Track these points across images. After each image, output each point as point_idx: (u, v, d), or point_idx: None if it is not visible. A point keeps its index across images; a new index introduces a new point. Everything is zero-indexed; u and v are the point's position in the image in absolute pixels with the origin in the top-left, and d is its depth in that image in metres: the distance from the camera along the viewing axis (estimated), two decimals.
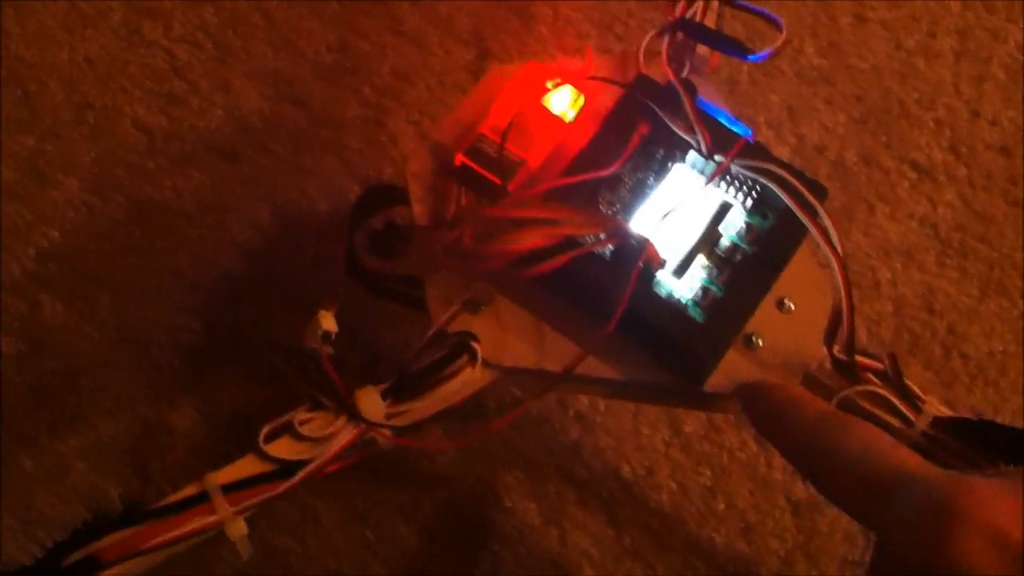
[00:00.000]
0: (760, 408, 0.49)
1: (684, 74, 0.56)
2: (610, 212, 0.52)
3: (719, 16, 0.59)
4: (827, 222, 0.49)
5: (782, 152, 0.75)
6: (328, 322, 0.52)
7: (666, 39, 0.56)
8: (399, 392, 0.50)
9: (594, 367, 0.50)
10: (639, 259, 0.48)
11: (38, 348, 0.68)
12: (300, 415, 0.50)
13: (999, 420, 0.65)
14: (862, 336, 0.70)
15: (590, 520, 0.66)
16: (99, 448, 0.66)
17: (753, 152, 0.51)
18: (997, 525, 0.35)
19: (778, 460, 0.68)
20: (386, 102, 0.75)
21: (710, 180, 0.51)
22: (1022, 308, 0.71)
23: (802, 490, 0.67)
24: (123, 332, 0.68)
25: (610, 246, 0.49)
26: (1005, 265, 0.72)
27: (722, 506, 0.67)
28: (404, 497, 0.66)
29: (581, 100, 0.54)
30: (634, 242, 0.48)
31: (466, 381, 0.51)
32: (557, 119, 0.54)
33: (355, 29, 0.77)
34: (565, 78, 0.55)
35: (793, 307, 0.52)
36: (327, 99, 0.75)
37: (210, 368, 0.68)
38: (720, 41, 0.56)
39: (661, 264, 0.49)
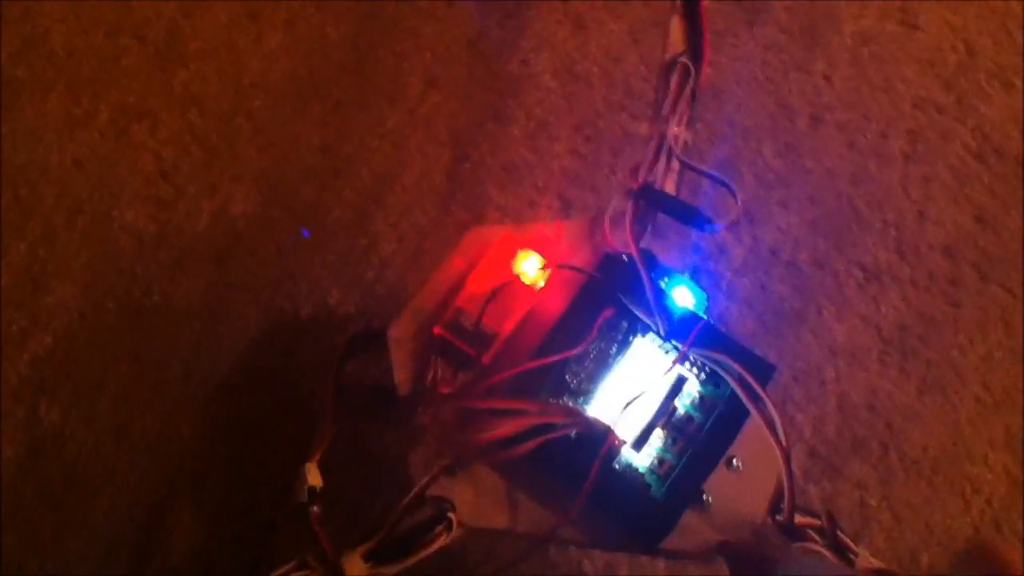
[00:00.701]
0: None
1: (646, 239, 0.60)
2: (576, 383, 0.56)
3: (680, 174, 0.63)
4: (772, 410, 0.53)
5: (737, 254, 0.79)
6: (314, 477, 0.57)
7: (629, 207, 0.60)
8: (380, 555, 0.55)
9: (562, 531, 0.55)
10: (602, 444, 0.53)
11: (38, 453, 0.72)
12: (292, 574, 0.55)
13: (931, 513, 0.71)
14: (807, 433, 0.75)
15: None
16: (100, 552, 0.71)
17: (706, 335, 0.56)
18: None
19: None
20: (366, 205, 0.79)
21: (664, 374, 0.55)
22: (955, 405, 0.76)
23: None
24: (121, 438, 0.73)
25: (575, 431, 0.54)
26: (942, 364, 0.78)
27: None
28: None
29: (550, 269, 0.59)
30: (597, 429, 0.53)
31: (440, 544, 0.56)
32: (529, 288, 0.58)
33: (337, 132, 0.80)
34: (536, 247, 0.59)
35: (741, 466, 0.57)
36: (311, 202, 0.78)
37: (206, 474, 0.72)
38: (680, 212, 0.60)
39: (621, 445, 0.54)
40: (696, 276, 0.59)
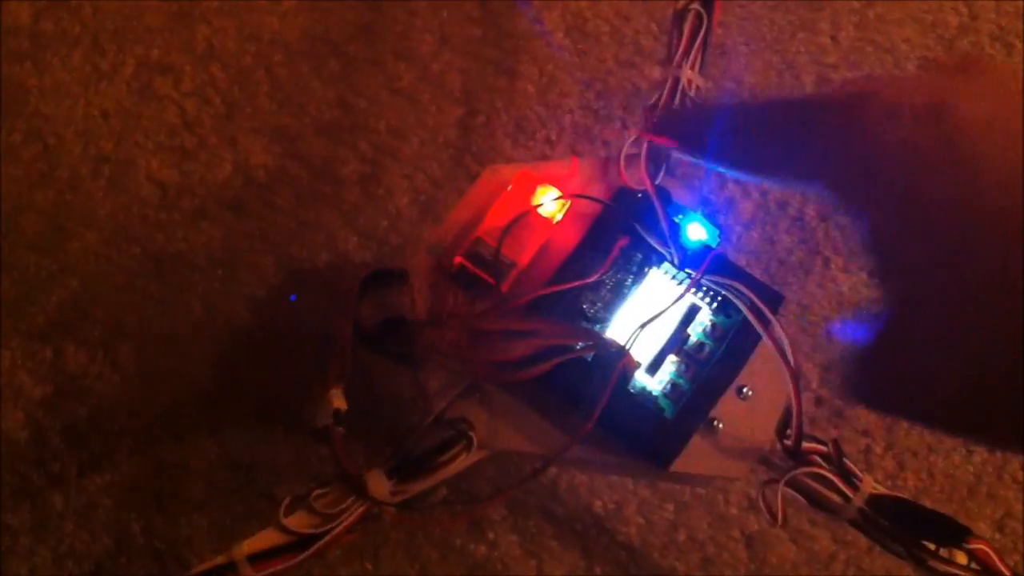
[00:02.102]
0: None
1: (660, 178, 0.62)
2: (592, 311, 0.58)
3: None
4: (781, 334, 0.55)
5: (746, 207, 0.81)
6: (339, 400, 0.58)
7: (644, 146, 0.62)
8: (403, 473, 0.57)
9: (574, 450, 0.57)
10: (618, 365, 0.55)
11: (65, 393, 0.74)
12: (316, 491, 0.57)
13: (934, 461, 0.73)
14: (813, 381, 0.77)
15: (565, 552, 0.74)
16: (123, 486, 0.73)
17: (718, 264, 0.58)
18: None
19: (734, 497, 0.75)
20: (382, 158, 0.81)
21: (677, 300, 0.57)
22: None
23: (754, 524, 0.75)
24: (144, 379, 0.75)
25: (591, 353, 0.55)
26: None
27: (683, 538, 0.75)
28: (400, 533, 0.73)
29: (567, 204, 0.61)
30: (613, 350, 0.55)
31: (461, 463, 0.58)
32: (546, 221, 0.60)
33: (353, 87, 0.82)
34: (552, 183, 0.61)
35: (751, 394, 0.59)
36: (327, 155, 0.80)
37: (226, 413, 0.75)
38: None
39: (636, 368, 0.56)
40: (709, 214, 0.61)
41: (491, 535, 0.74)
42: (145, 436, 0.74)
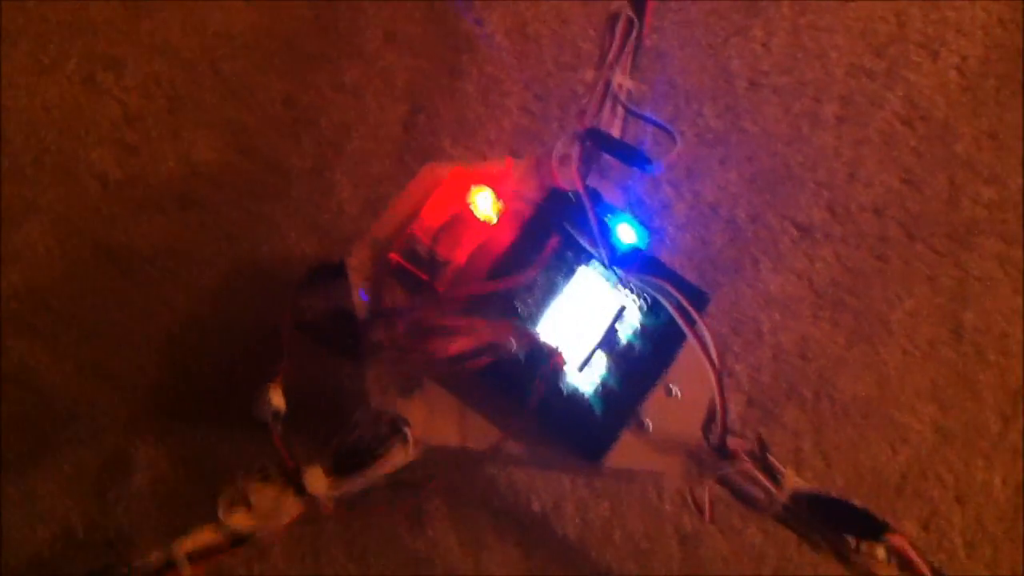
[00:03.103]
0: None
1: (590, 179, 0.64)
2: (524, 308, 0.60)
3: (624, 119, 0.67)
4: (705, 333, 0.57)
5: (679, 209, 0.83)
6: (277, 398, 0.60)
7: (576, 147, 0.63)
8: (340, 468, 0.58)
9: (508, 446, 0.59)
10: (548, 362, 0.56)
11: (11, 383, 0.75)
12: (253, 483, 0.58)
13: (861, 459, 0.76)
14: (744, 382, 0.79)
15: (503, 547, 0.75)
16: (64, 476, 0.73)
17: (646, 264, 0.60)
18: None
19: (668, 493, 0.77)
20: (325, 152, 0.82)
21: (608, 294, 0.59)
22: (884, 357, 0.81)
23: (688, 523, 0.77)
24: (89, 369, 0.75)
25: (523, 351, 0.57)
26: (871, 317, 0.82)
27: (618, 535, 0.76)
28: (338, 526, 0.74)
29: (501, 203, 0.62)
30: (544, 349, 0.57)
31: (396, 459, 0.59)
32: (480, 221, 0.62)
33: (299, 83, 0.83)
34: (487, 182, 0.62)
35: (679, 393, 0.61)
36: (273, 149, 0.81)
37: (170, 404, 0.75)
38: (622, 152, 0.64)
39: (564, 364, 0.58)
40: (637, 214, 0.63)
41: (430, 531, 0.75)
42: (90, 426, 0.74)
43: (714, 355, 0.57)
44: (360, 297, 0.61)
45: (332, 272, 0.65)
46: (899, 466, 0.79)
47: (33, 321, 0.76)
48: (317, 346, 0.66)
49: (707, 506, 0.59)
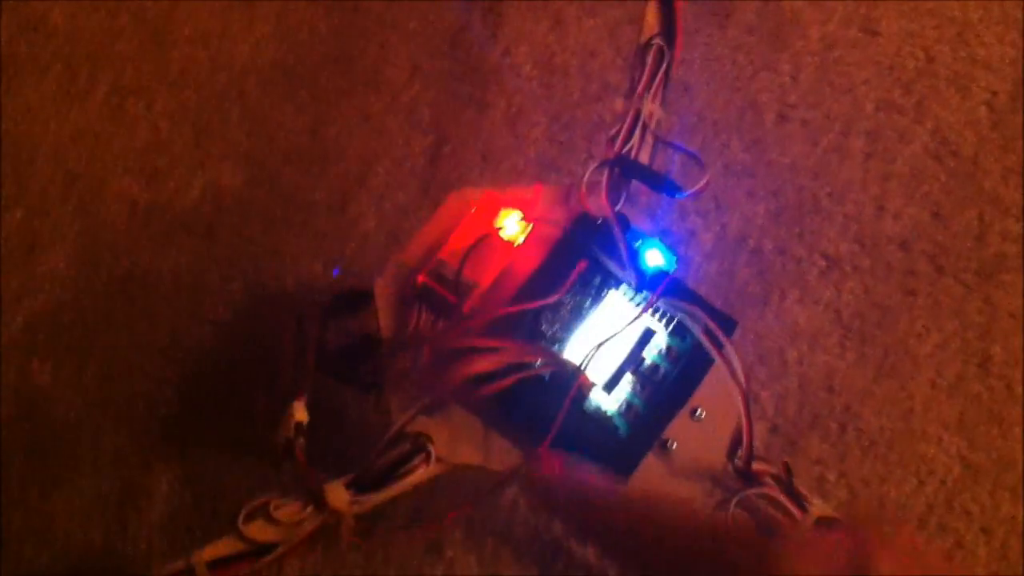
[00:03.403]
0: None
1: (620, 206, 0.64)
2: (551, 332, 0.60)
3: (654, 148, 0.67)
4: (733, 357, 0.57)
5: (706, 239, 0.83)
6: (300, 413, 0.60)
7: (605, 174, 0.63)
8: (362, 485, 0.58)
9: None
10: (573, 384, 0.56)
11: (29, 412, 0.75)
12: (275, 500, 0.57)
13: (886, 490, 0.75)
14: (769, 410, 0.79)
15: (523, 573, 0.74)
16: (84, 505, 0.73)
17: (674, 288, 0.59)
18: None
19: None
20: (350, 185, 0.82)
21: (634, 320, 0.59)
22: (911, 391, 0.80)
23: None
24: (108, 401, 0.75)
25: (548, 371, 0.57)
26: (899, 350, 0.81)
27: None
28: (357, 555, 0.73)
29: (529, 227, 0.62)
30: (569, 369, 0.56)
31: (419, 476, 0.59)
32: (507, 244, 0.62)
33: (324, 116, 0.84)
34: (515, 208, 0.62)
35: (704, 415, 0.60)
36: (296, 182, 0.82)
37: (188, 436, 0.75)
38: (652, 179, 0.64)
39: (591, 388, 0.57)
40: (666, 241, 0.62)
41: (450, 553, 0.74)
42: (109, 457, 0.74)
43: (742, 378, 0.57)
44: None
45: (357, 300, 0.65)
46: (925, 498, 0.78)
47: (54, 350, 0.76)
48: (339, 382, 0.66)
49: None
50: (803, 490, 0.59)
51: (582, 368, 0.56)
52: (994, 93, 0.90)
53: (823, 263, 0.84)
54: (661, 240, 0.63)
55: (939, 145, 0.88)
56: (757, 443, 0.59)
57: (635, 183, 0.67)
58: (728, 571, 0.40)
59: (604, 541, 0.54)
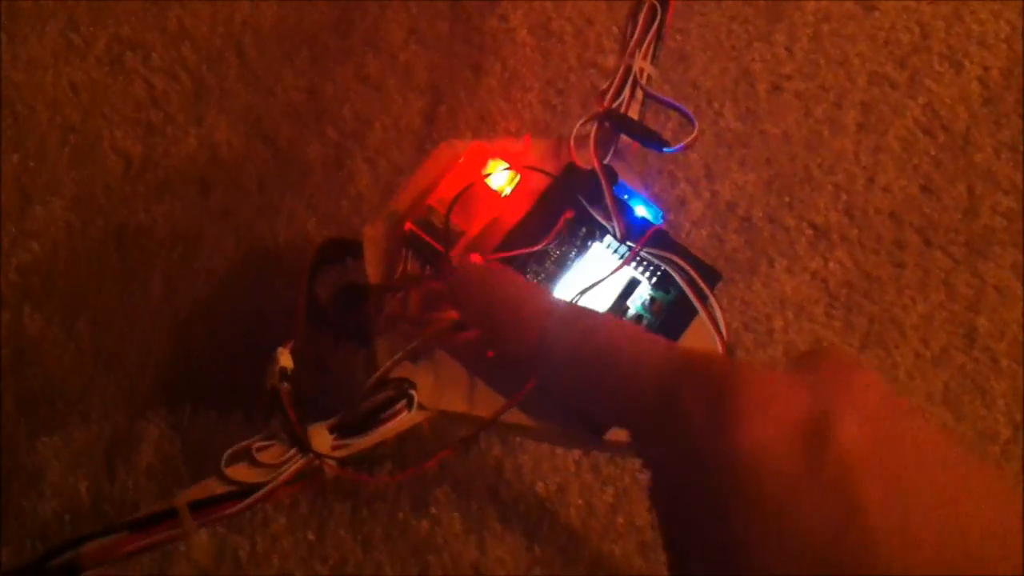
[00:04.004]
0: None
1: (608, 159, 0.64)
2: (536, 281, 0.60)
3: (643, 105, 0.67)
4: (716, 308, 0.58)
5: (696, 207, 0.83)
6: (286, 359, 0.60)
7: (594, 127, 0.64)
8: (345, 429, 0.59)
9: (514, 416, 0.59)
10: None
11: (23, 358, 0.75)
12: (258, 443, 0.58)
13: None
14: None
15: (507, 531, 0.75)
16: (73, 451, 0.74)
17: (659, 239, 0.60)
18: (787, 416, 0.35)
19: None
20: (346, 142, 0.83)
21: (620, 267, 0.59)
22: (896, 360, 0.81)
23: None
24: (101, 348, 0.76)
25: None
26: (885, 320, 0.82)
27: (622, 523, 0.76)
28: (344, 505, 0.74)
29: (517, 179, 0.63)
30: None
31: (402, 421, 0.59)
32: (495, 194, 0.62)
33: (322, 74, 0.84)
34: (505, 159, 0.63)
35: None
36: (293, 138, 0.82)
37: (179, 385, 0.76)
38: (640, 133, 0.64)
39: None
40: (654, 197, 0.63)
41: (434, 511, 0.75)
42: (99, 405, 0.75)
43: (724, 330, 0.57)
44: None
45: (345, 248, 0.66)
46: None
47: (48, 298, 0.77)
48: (327, 330, 0.66)
49: None
50: None
51: None
52: (987, 69, 0.90)
53: (812, 233, 0.84)
54: (648, 200, 0.64)
55: (931, 119, 0.88)
56: None
57: (628, 152, 0.67)
58: (678, 424, 0.37)
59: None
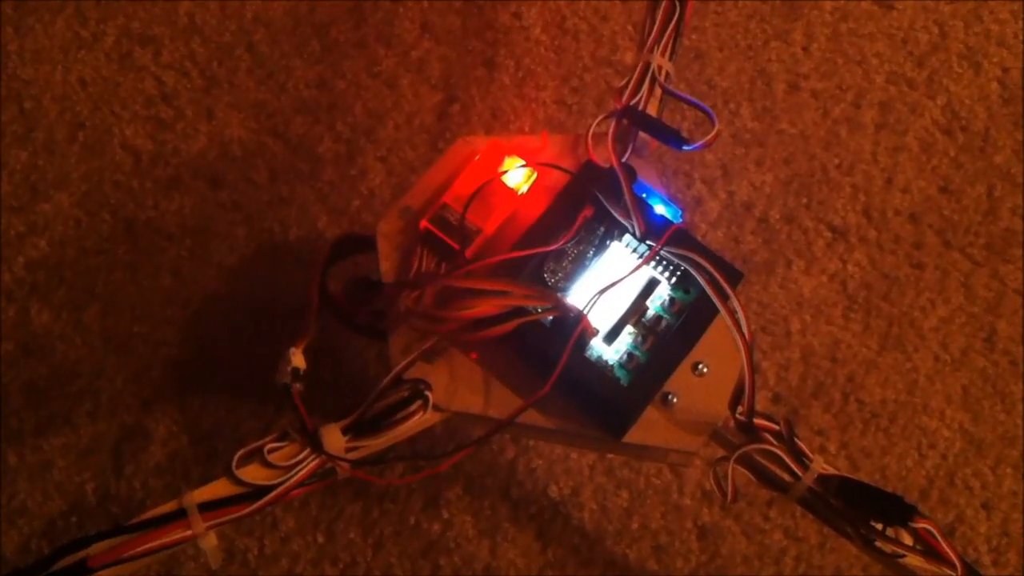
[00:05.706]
0: None
1: (626, 157, 0.63)
2: (553, 280, 0.59)
3: (662, 102, 0.66)
4: (738, 307, 0.56)
5: (712, 207, 0.82)
6: (298, 359, 0.59)
7: (612, 124, 0.63)
8: (358, 429, 0.57)
9: (531, 416, 0.58)
10: (575, 330, 0.56)
11: (29, 352, 0.75)
12: (270, 444, 0.57)
13: (887, 462, 0.74)
14: (771, 379, 0.78)
15: (519, 534, 0.74)
16: (80, 448, 0.73)
17: (680, 238, 0.59)
18: None
19: (688, 487, 0.76)
20: (358, 139, 0.82)
21: (638, 267, 0.58)
22: (915, 363, 0.79)
23: (708, 515, 0.75)
24: (109, 342, 0.75)
25: (551, 316, 0.56)
26: (904, 323, 0.81)
27: (636, 526, 0.75)
28: (354, 506, 0.73)
29: (534, 176, 0.62)
30: (571, 315, 0.56)
31: (417, 422, 0.58)
32: (512, 192, 0.61)
33: (334, 68, 0.83)
34: (521, 156, 0.62)
35: (706, 370, 0.60)
36: (304, 133, 0.81)
37: (189, 381, 0.75)
38: (659, 130, 0.63)
39: (594, 334, 0.57)
40: (672, 197, 0.62)
41: (446, 514, 0.74)
42: (107, 400, 0.74)
43: (745, 329, 0.56)
44: None
45: (359, 244, 0.65)
46: (926, 471, 0.77)
47: (57, 292, 0.76)
48: (341, 325, 0.65)
49: (730, 486, 0.58)
50: (804, 448, 0.59)
51: (584, 312, 0.56)
52: (1006, 69, 0.89)
53: (830, 234, 0.83)
54: (665, 199, 0.63)
55: (950, 119, 0.87)
56: (759, 402, 0.58)
57: (645, 150, 0.66)
58: None
59: None
